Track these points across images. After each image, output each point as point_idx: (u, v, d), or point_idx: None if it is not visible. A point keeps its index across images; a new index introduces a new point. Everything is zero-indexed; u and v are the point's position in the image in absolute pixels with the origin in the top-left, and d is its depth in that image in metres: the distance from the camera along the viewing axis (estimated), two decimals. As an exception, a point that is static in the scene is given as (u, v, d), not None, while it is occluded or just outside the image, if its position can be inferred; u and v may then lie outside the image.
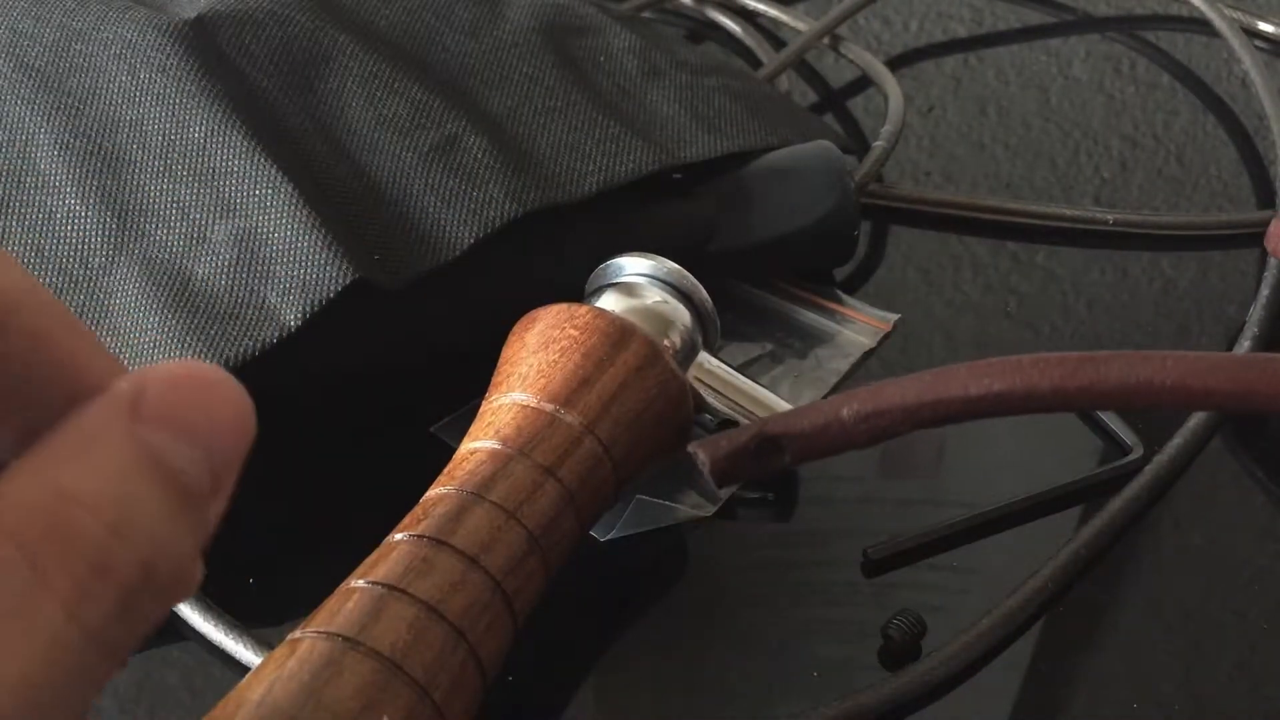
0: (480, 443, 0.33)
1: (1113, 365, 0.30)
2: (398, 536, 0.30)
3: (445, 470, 0.32)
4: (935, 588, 0.37)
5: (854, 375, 0.43)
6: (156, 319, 0.36)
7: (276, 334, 0.35)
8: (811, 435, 0.32)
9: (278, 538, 0.37)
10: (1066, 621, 0.36)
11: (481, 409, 0.35)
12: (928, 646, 0.34)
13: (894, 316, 0.45)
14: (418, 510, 0.31)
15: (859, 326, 0.45)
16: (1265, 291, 0.45)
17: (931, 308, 0.47)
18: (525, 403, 0.33)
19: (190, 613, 0.35)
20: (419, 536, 0.30)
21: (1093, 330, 0.46)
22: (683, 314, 0.37)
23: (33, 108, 0.40)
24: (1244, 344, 0.43)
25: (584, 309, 0.35)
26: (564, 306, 0.36)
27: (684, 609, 0.36)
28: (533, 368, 0.34)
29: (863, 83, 0.59)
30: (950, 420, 0.32)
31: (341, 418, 0.41)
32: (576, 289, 0.39)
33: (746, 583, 0.38)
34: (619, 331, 0.35)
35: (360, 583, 0.28)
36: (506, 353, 0.36)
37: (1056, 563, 0.36)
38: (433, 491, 0.32)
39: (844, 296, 0.46)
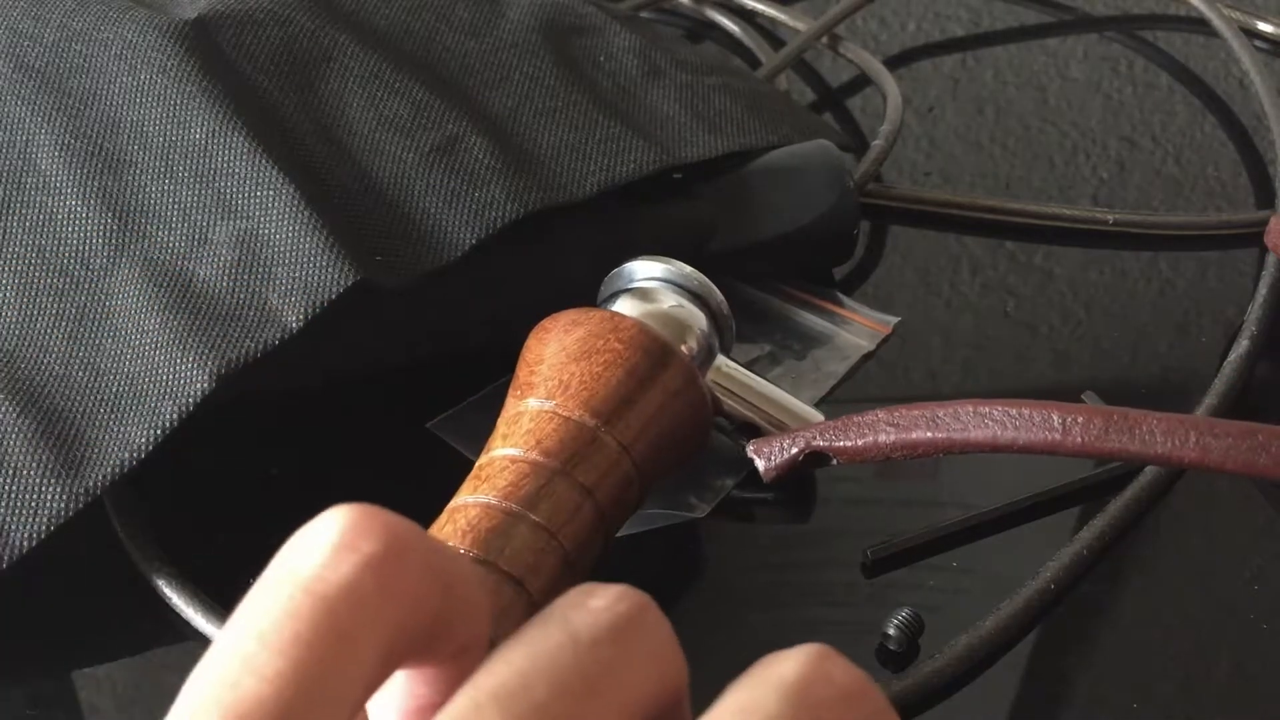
0: (521, 451, 0.32)
1: (1137, 434, 0.31)
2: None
3: (483, 476, 0.31)
4: (935, 588, 0.37)
5: (852, 378, 0.43)
6: (158, 320, 0.36)
7: (278, 335, 0.35)
8: (852, 451, 0.35)
9: (277, 538, 0.37)
10: (1066, 622, 0.36)
11: (513, 409, 0.34)
12: (928, 647, 0.34)
13: (894, 319, 0.45)
14: (459, 520, 0.30)
15: (858, 329, 0.45)
16: (1263, 290, 0.45)
17: (930, 307, 0.47)
18: (569, 415, 0.32)
19: (191, 613, 0.35)
20: (466, 553, 0.29)
21: (1091, 330, 0.46)
22: (699, 318, 0.37)
23: (33, 108, 0.40)
24: (1242, 343, 0.43)
25: (629, 321, 0.35)
26: (607, 315, 0.35)
27: (684, 609, 0.36)
28: (574, 376, 0.33)
29: (861, 82, 0.59)
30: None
31: (341, 417, 0.41)
32: (577, 289, 0.39)
33: (746, 583, 0.38)
34: (661, 351, 0.34)
35: None
36: (540, 351, 0.35)
37: (1058, 564, 0.36)
38: (469, 499, 0.31)
39: (844, 299, 0.46)
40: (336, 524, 0.18)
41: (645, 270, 0.38)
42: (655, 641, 0.19)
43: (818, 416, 0.38)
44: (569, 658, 0.18)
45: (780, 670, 0.18)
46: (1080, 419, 0.32)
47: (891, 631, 0.34)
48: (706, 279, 0.37)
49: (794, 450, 0.36)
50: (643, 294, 0.37)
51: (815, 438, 0.36)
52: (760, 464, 0.37)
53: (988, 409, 0.33)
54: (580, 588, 0.19)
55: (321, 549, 0.18)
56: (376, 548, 0.18)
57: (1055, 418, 0.32)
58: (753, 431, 0.38)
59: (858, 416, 0.35)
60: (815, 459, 0.36)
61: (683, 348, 0.36)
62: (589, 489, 0.31)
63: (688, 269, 0.37)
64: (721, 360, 0.38)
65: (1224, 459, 0.31)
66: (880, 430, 0.35)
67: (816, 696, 0.18)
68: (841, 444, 0.35)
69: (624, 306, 0.37)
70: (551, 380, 0.33)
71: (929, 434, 0.34)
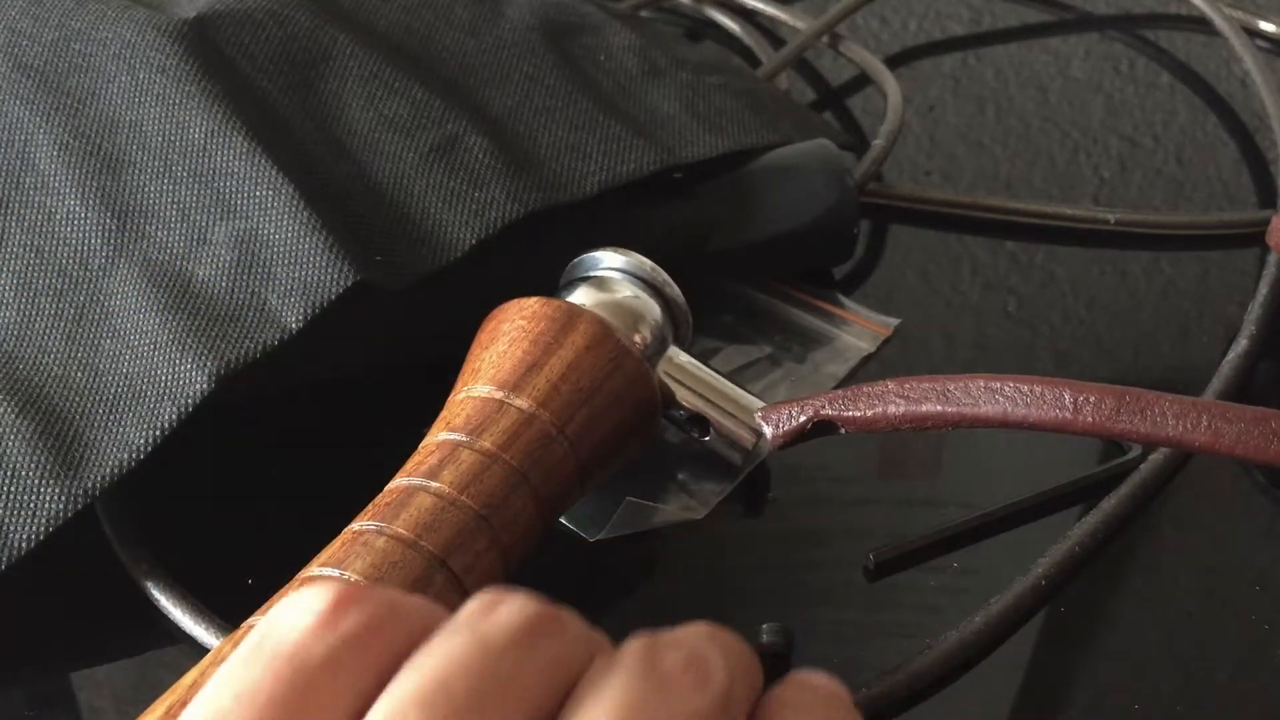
0: (432, 437, 0.34)
1: (1149, 415, 0.31)
2: (351, 527, 0.31)
3: (402, 468, 0.33)
4: (936, 589, 0.36)
5: (852, 380, 0.43)
6: (157, 320, 0.36)
7: (277, 336, 0.35)
8: (860, 421, 0.35)
9: (273, 540, 0.37)
10: (1065, 621, 0.36)
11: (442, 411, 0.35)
12: (927, 645, 0.34)
13: (894, 321, 0.45)
14: (369, 507, 0.32)
15: (858, 330, 0.45)
16: (1264, 290, 0.45)
17: (930, 307, 0.47)
18: (476, 394, 0.34)
19: (184, 616, 0.35)
20: (362, 527, 0.31)
21: (1092, 330, 0.46)
22: (653, 309, 0.38)
23: (32, 108, 0.40)
24: (1241, 342, 0.43)
25: (532, 299, 0.36)
26: (514, 301, 0.36)
27: (684, 610, 0.36)
28: (485, 362, 0.35)
29: (861, 81, 0.59)
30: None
31: (341, 417, 0.41)
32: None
33: (746, 584, 0.38)
34: (565, 315, 0.35)
35: (310, 571, 0.30)
36: (467, 355, 0.36)
37: (1050, 560, 0.36)
38: (393, 484, 0.32)
39: (844, 300, 0.46)
40: (319, 600, 0.20)
41: (604, 260, 0.38)
42: (561, 643, 0.21)
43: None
44: (481, 663, 0.19)
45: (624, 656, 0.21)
46: (1092, 398, 0.32)
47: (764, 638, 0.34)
48: (664, 272, 0.38)
49: (802, 418, 0.36)
50: (599, 283, 0.38)
51: (824, 406, 0.36)
52: (768, 430, 0.37)
53: (999, 384, 0.33)
54: (482, 595, 0.21)
55: (303, 624, 0.20)
56: (354, 625, 0.20)
57: (1067, 396, 0.32)
58: (703, 423, 0.38)
59: (867, 386, 0.35)
60: (823, 428, 0.36)
61: (635, 337, 0.36)
62: (496, 452, 0.32)
63: (646, 261, 0.38)
64: (674, 351, 0.38)
65: (1234, 444, 0.31)
66: (890, 401, 0.35)
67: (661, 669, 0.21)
68: (850, 414, 0.35)
69: (579, 296, 0.37)
70: (466, 373, 0.35)
71: (939, 407, 0.34)
